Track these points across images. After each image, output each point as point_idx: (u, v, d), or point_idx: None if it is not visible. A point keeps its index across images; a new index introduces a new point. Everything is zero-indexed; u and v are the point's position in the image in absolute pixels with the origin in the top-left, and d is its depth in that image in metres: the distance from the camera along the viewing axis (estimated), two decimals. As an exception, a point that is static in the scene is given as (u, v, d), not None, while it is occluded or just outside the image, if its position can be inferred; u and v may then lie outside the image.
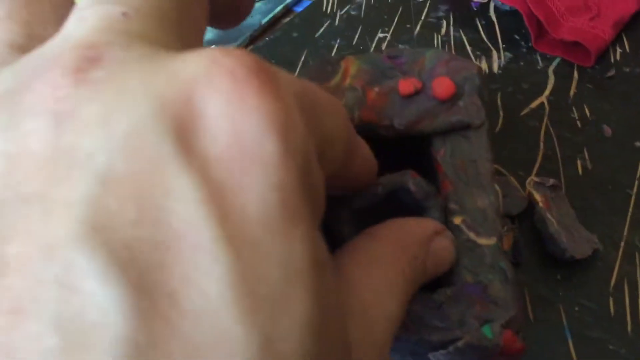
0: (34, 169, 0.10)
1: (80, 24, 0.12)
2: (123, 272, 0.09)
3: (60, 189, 0.10)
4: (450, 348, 0.19)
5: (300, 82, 0.13)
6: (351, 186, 0.18)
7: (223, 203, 0.10)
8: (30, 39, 0.13)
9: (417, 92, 0.23)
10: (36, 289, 0.09)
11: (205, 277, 0.10)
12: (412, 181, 0.21)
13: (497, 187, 0.22)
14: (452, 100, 0.23)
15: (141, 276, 0.09)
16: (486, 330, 0.19)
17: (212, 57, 0.11)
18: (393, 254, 0.16)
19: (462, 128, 0.23)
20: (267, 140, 0.11)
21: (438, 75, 0.24)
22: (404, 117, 0.23)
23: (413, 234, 0.18)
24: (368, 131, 0.23)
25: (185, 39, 0.13)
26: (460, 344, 0.19)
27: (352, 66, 0.25)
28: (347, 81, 0.24)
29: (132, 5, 0.12)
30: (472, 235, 0.21)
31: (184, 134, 0.10)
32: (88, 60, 0.11)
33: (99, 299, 0.09)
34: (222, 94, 0.11)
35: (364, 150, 0.17)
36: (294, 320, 0.10)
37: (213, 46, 0.12)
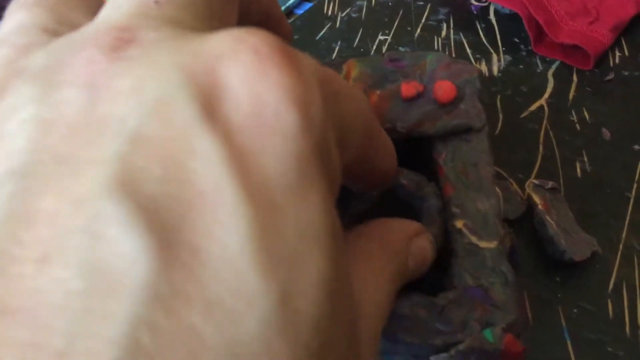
0: (68, 133, 0.11)
1: (115, 10, 0.13)
2: (147, 221, 0.10)
3: (92, 149, 0.10)
4: (452, 351, 0.19)
5: (323, 69, 0.13)
6: (372, 176, 0.18)
7: (244, 164, 0.11)
8: (59, 24, 0.14)
9: (419, 96, 0.24)
10: (63, 237, 0.10)
11: (225, 231, 0.10)
12: (401, 175, 0.21)
13: (498, 190, 0.22)
14: (453, 103, 0.23)
15: (164, 227, 0.10)
16: (487, 333, 0.19)
17: (237, 35, 0.12)
18: (379, 249, 0.17)
19: (464, 131, 0.23)
20: (286, 112, 0.11)
21: (439, 78, 0.24)
22: (406, 120, 0.23)
23: (396, 231, 0.18)
24: None
25: (215, 28, 0.14)
26: (461, 347, 0.19)
27: (354, 69, 0.25)
28: (349, 84, 0.24)
29: None
30: (473, 238, 0.21)
31: (208, 102, 0.11)
32: (122, 41, 0.12)
33: (123, 246, 0.09)
34: (246, 67, 0.11)
35: (385, 140, 0.17)
36: (310, 279, 0.11)
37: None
